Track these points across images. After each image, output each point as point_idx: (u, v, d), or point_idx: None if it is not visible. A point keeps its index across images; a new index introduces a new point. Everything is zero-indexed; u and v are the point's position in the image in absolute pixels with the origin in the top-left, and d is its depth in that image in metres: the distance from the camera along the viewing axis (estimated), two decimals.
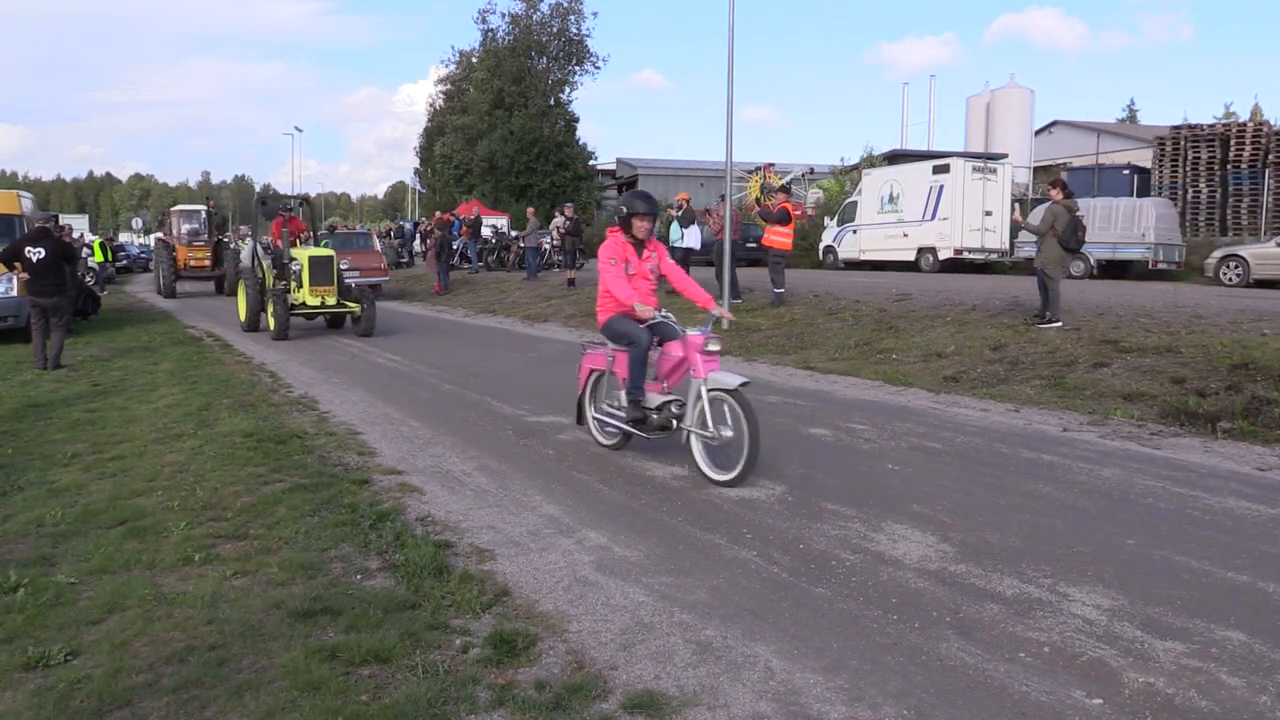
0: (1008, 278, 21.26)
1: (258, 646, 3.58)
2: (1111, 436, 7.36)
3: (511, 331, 16.44)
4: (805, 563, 4.56)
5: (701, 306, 6.53)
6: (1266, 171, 24.91)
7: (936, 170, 23.79)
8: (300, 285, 14.82)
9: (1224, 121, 31.68)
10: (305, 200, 18.29)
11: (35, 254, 11.32)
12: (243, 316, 16.05)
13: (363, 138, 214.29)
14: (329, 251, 15.50)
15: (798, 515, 5.31)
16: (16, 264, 11.40)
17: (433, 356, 12.44)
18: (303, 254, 15.06)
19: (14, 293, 13.40)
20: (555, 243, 25.85)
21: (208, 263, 27.40)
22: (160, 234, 30.06)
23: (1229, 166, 25.69)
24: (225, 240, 29.28)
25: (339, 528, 5.01)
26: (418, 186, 56.54)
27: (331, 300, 14.99)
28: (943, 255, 23.32)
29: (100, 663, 3.45)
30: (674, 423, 6.18)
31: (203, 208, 29.74)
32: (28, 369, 11.26)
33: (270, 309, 14.76)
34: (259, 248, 16.56)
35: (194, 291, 27.91)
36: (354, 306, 15.03)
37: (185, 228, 27.83)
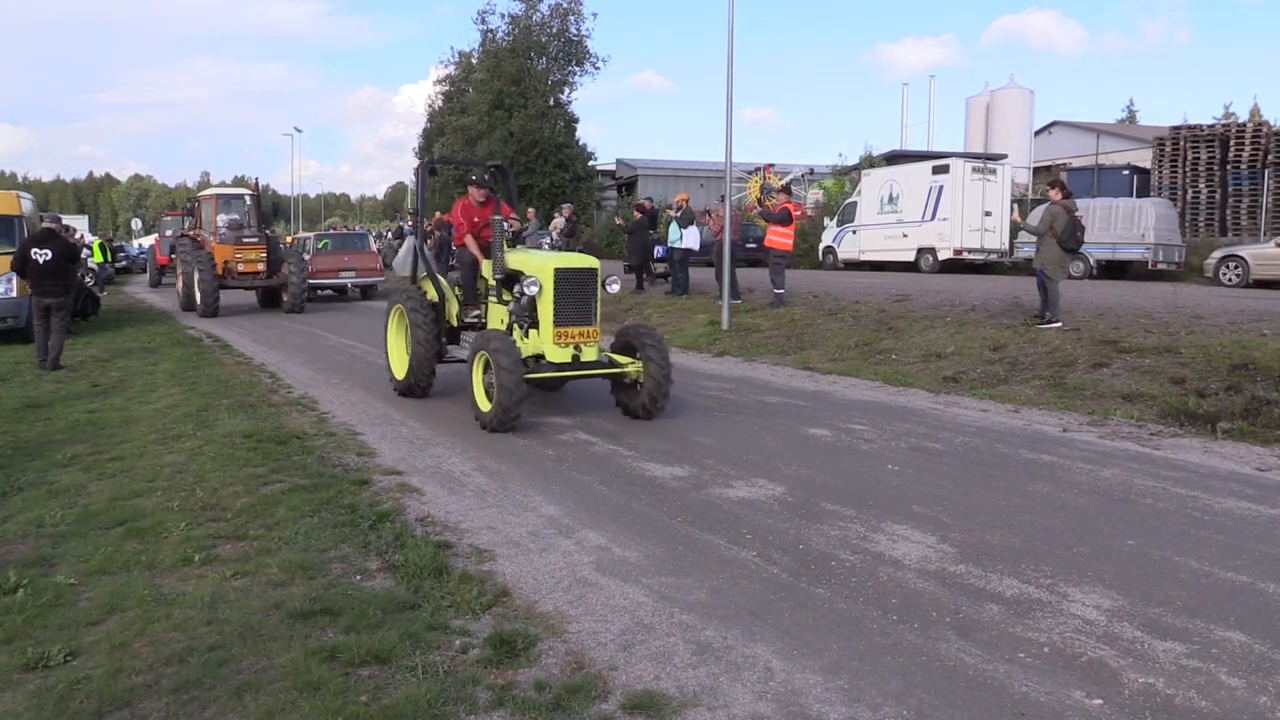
0: (1007, 278, 21.27)
1: (257, 647, 3.58)
2: (1111, 437, 7.36)
3: None
4: (805, 563, 4.56)
5: None
6: (1266, 172, 24.90)
7: (936, 171, 23.79)
8: (530, 322, 8.04)
9: (1223, 122, 31.66)
10: (499, 171, 10.14)
11: (42, 255, 11.37)
12: (399, 370, 9.24)
13: (363, 138, 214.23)
14: (591, 261, 8.24)
15: (798, 515, 5.31)
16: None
17: None
18: (539, 263, 8.04)
19: (14, 293, 13.40)
20: (555, 243, 25.85)
21: (261, 267, 19.45)
22: (186, 228, 22.04)
23: (1228, 167, 25.68)
24: (276, 236, 22.19)
25: (339, 528, 5.01)
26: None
27: (591, 353, 7.93)
28: (942, 256, 23.33)
29: (100, 663, 3.45)
30: None
31: (246, 191, 21.72)
32: (28, 369, 11.25)
33: (482, 367, 7.67)
34: (422, 249, 9.60)
35: (234, 306, 20.45)
36: (632, 366, 7.98)
37: (224, 218, 20.35)
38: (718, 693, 3.27)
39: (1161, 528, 5.08)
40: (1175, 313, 12.00)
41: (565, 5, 42.74)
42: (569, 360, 7.80)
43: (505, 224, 8.60)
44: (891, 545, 4.81)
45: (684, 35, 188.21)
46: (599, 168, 47.24)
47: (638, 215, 19.71)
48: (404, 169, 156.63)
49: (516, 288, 8.14)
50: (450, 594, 4.11)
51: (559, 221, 23.92)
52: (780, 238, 15.62)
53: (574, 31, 43.20)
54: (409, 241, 10.15)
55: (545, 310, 7.79)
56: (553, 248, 26.73)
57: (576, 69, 44.00)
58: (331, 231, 35.50)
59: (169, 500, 5.54)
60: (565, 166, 42.79)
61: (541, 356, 7.86)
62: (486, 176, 9.36)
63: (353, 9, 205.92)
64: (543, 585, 4.28)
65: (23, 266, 11.45)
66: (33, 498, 5.65)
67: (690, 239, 17.57)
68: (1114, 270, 21.35)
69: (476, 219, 8.95)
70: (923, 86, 72.58)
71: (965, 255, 23.29)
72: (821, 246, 27.66)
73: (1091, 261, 20.76)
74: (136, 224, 57.27)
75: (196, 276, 18.96)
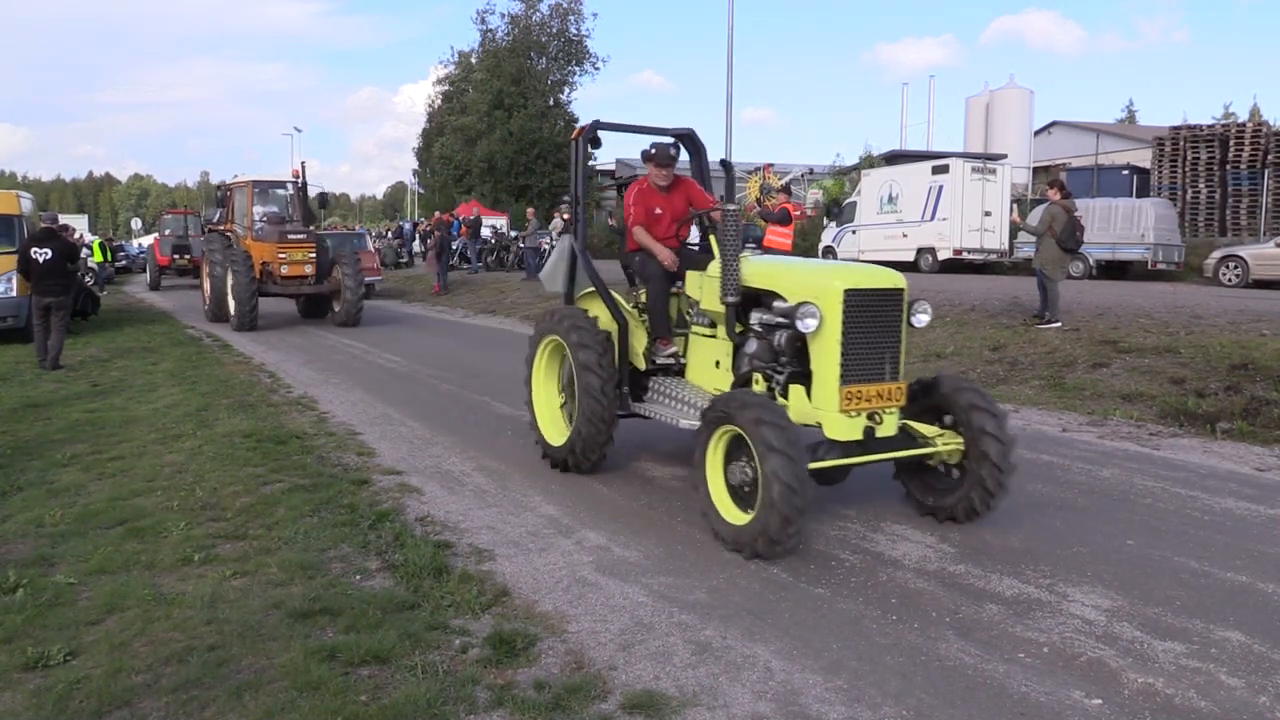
0: (1007, 278, 21.26)
1: (257, 647, 3.58)
2: (1111, 437, 7.36)
3: (511, 332, 16.45)
4: (805, 563, 4.56)
5: None
6: (1266, 172, 24.91)
7: (936, 171, 23.79)
8: (790, 373, 5.13)
9: (1223, 122, 31.68)
10: (688, 140, 6.86)
11: (41, 254, 11.40)
12: (556, 433, 6.45)
13: (363, 138, 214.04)
14: (896, 278, 5.08)
15: None
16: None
17: (432, 356, 12.44)
18: (813, 279, 5.10)
19: (14, 292, 13.40)
20: (555, 243, 25.87)
21: (308, 270, 16.08)
22: (215, 221, 18.65)
23: (1228, 167, 25.69)
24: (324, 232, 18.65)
25: (338, 528, 5.02)
26: (417, 187, 56.50)
27: (892, 424, 4.96)
28: (942, 256, 23.33)
29: (100, 663, 3.45)
30: None
31: (289, 179, 17.91)
32: (28, 369, 11.25)
33: (723, 451, 4.83)
34: (584, 252, 6.48)
35: (269, 314, 17.22)
36: (947, 443, 5.06)
37: (261, 210, 16.90)
38: (717, 692, 3.27)
39: (1161, 528, 5.08)
40: (1175, 313, 12.00)
41: (565, 5, 42.76)
42: (860, 437, 4.83)
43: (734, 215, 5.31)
44: (891, 545, 4.81)
45: (684, 35, 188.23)
46: (599, 168, 47.23)
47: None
48: (404, 169, 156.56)
49: (756, 316, 5.33)
50: (450, 594, 4.11)
51: (557, 222, 23.93)
52: (780, 238, 15.61)
53: (574, 31, 43.22)
54: (563, 243, 6.84)
55: (826, 356, 4.84)
56: (552, 246, 26.80)
57: (576, 69, 44.01)
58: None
59: (169, 500, 5.54)
60: (565, 166, 42.81)
61: (821, 430, 4.88)
62: (673, 149, 6.40)
63: (353, 9, 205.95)
64: (542, 585, 4.28)
65: (25, 265, 11.48)
66: (32, 497, 5.65)
67: (690, 239, 17.56)
68: (1114, 270, 21.35)
69: (659, 209, 6.19)
70: (922, 86, 72.50)
71: (965, 255, 23.29)
72: (821, 246, 27.67)
73: (1091, 261, 20.78)
74: (136, 223, 57.05)
75: (230, 280, 15.62)
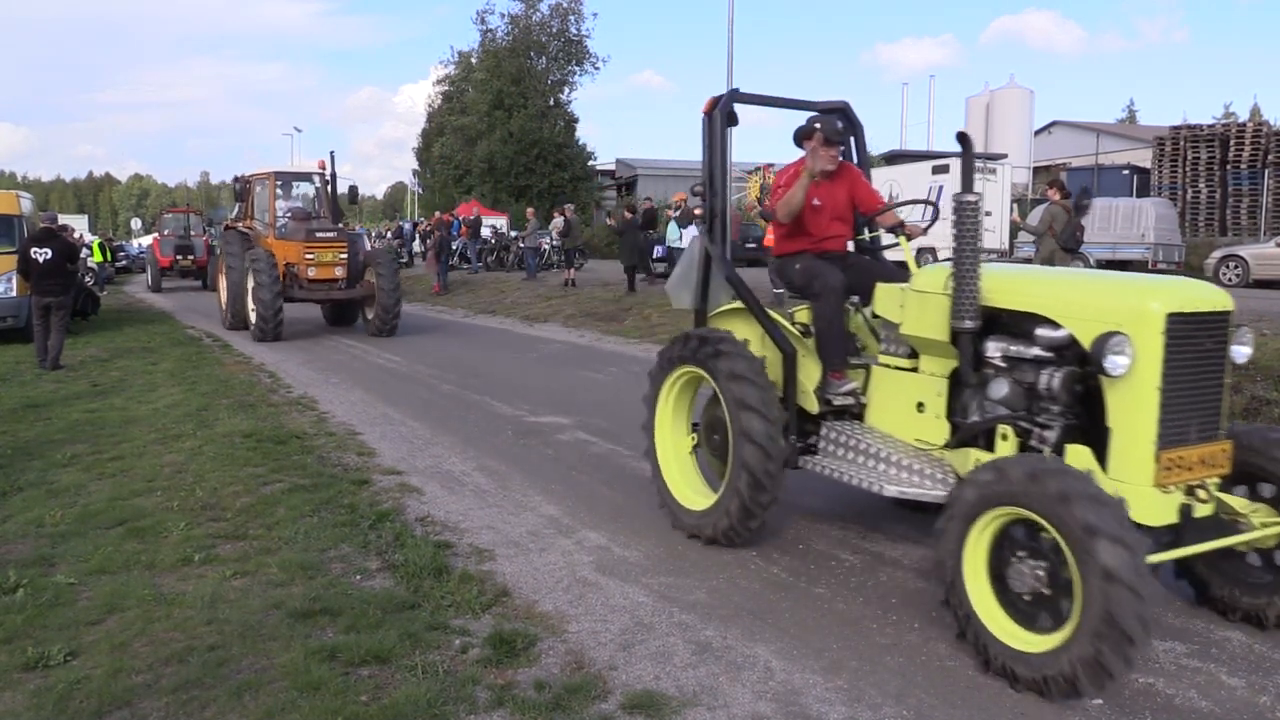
0: None
1: (257, 647, 3.58)
2: None
3: (511, 331, 16.45)
4: (805, 563, 4.56)
5: None
6: (1266, 172, 24.94)
7: (936, 170, 23.76)
8: (1064, 427, 3.77)
9: (1223, 122, 31.74)
10: (844, 116, 5.39)
11: (41, 254, 11.40)
12: (694, 494, 5.07)
13: (363, 138, 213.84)
14: (1222, 298, 3.72)
15: (797, 515, 5.31)
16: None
17: (432, 356, 12.44)
18: (1117, 299, 3.64)
19: (14, 292, 13.40)
20: (555, 243, 25.87)
21: (339, 272, 14.46)
22: (230, 220, 17.52)
23: (1228, 167, 25.72)
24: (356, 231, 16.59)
25: (339, 528, 5.02)
26: (417, 187, 56.51)
27: (1211, 502, 3.56)
28: (942, 255, 23.31)
29: (100, 663, 3.45)
30: None
31: (315, 171, 16.26)
32: (28, 369, 11.26)
33: (989, 541, 3.42)
34: (725, 255, 5.11)
35: (292, 320, 14.91)
36: (1260, 521, 3.61)
37: (285, 206, 15.67)
38: (718, 693, 3.27)
39: None
40: None
41: (565, 5, 42.80)
42: (1176, 520, 3.52)
43: (975, 204, 3.95)
44: (891, 545, 4.82)
45: (684, 35, 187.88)
46: (599, 168, 47.28)
47: (627, 216, 19.68)
48: (404, 169, 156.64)
49: (998, 346, 4.01)
50: (450, 594, 4.11)
51: (558, 221, 23.93)
52: None
53: (574, 31, 43.26)
54: (693, 246, 5.46)
55: (1139, 408, 3.51)
56: (552, 247, 26.77)
57: (576, 69, 44.05)
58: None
59: (169, 500, 5.54)
60: (564, 166, 42.85)
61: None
62: (840, 124, 5.13)
63: (353, 9, 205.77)
64: (543, 585, 4.28)
65: (25, 265, 11.49)
66: (33, 498, 5.65)
67: (690, 239, 17.58)
68: (1114, 270, 21.39)
69: (817, 200, 4.94)
70: (922, 86, 72.58)
71: None
72: None
73: (1091, 261, 20.78)
74: (136, 223, 56.89)
75: (251, 284, 13.99)
